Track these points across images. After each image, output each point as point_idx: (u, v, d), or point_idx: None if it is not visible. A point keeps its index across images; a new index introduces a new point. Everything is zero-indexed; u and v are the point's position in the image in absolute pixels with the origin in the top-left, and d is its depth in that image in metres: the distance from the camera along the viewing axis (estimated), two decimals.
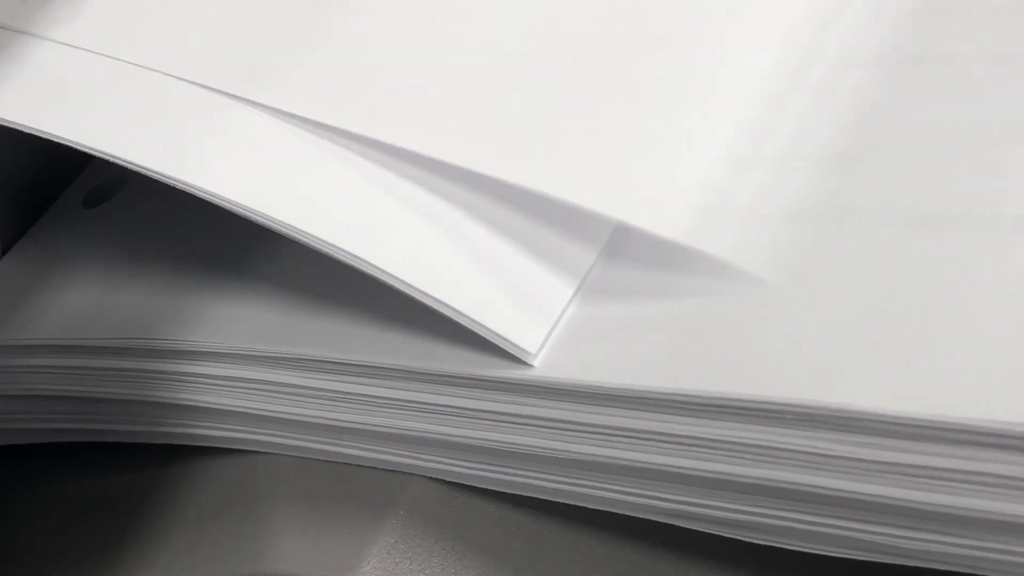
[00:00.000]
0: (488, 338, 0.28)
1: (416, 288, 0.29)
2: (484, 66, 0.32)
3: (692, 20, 0.33)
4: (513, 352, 0.28)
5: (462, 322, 0.28)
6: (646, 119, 0.31)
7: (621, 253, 0.30)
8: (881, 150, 0.29)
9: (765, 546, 0.27)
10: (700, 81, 0.31)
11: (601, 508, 0.29)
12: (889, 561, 0.25)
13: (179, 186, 0.30)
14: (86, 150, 0.31)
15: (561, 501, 0.30)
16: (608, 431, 0.28)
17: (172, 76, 0.32)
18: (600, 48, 0.32)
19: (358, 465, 0.33)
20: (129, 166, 0.31)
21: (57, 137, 0.31)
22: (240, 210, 0.30)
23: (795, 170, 0.30)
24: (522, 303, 0.28)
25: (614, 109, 0.31)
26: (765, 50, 0.32)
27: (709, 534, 0.28)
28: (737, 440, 0.26)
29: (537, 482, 0.30)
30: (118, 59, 0.32)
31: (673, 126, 0.31)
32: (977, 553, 0.24)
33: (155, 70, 0.32)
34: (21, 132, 0.31)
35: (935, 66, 0.31)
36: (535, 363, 0.28)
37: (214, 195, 0.30)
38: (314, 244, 0.29)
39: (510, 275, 0.29)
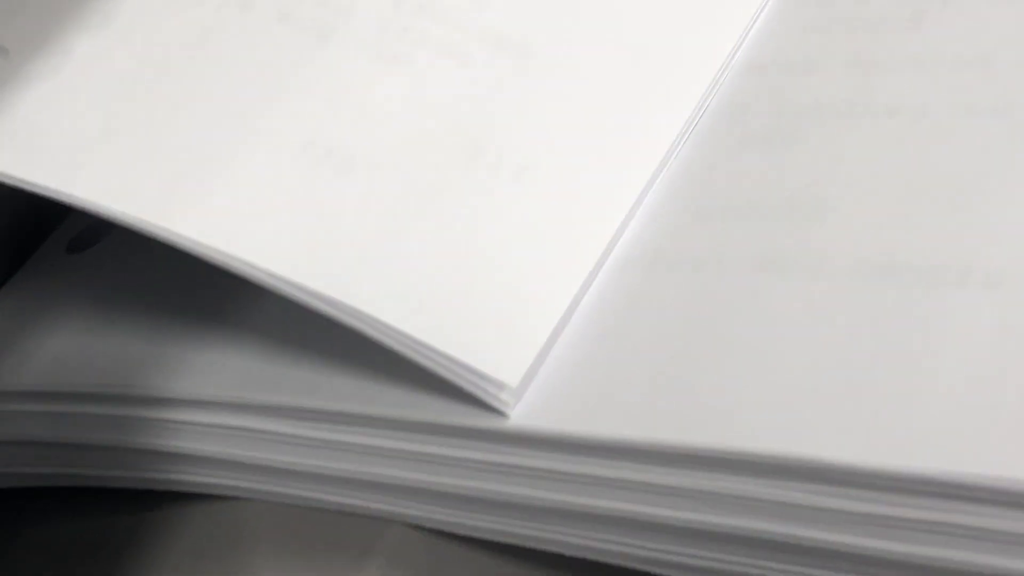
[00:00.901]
0: (465, 388, 0.28)
1: (393, 337, 0.29)
2: None
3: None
4: (490, 402, 0.28)
5: (438, 372, 0.29)
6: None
7: (598, 300, 0.30)
8: (852, 201, 0.30)
9: None
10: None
11: (579, 555, 0.29)
12: None
13: (160, 237, 0.30)
14: (67, 201, 0.31)
15: (540, 548, 0.30)
16: (585, 480, 0.28)
17: (153, 128, 0.32)
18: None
19: (339, 512, 0.33)
20: (108, 216, 0.31)
21: (38, 188, 0.31)
22: (218, 259, 0.30)
23: (765, 220, 0.30)
24: (498, 354, 0.29)
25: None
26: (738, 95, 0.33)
27: None
28: (712, 490, 0.27)
29: (516, 529, 0.30)
30: (97, 108, 0.33)
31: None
32: None
33: (136, 121, 0.32)
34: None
35: (907, 118, 0.31)
36: (511, 413, 0.28)
37: (191, 243, 0.30)
38: (296, 296, 0.30)
39: (485, 329, 0.29)
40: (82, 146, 0.32)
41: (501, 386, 0.28)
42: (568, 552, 0.30)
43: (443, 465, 0.30)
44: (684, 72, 0.34)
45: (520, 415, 0.28)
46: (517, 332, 0.29)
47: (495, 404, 0.28)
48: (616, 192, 0.31)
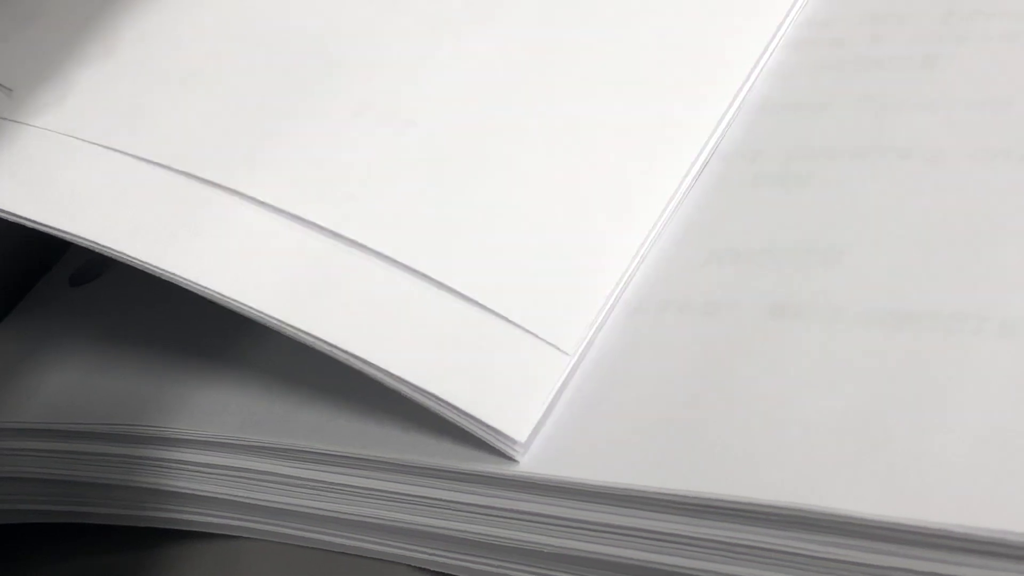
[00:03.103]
0: (475, 433, 0.28)
1: (403, 381, 0.29)
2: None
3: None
4: (500, 448, 0.28)
5: (449, 418, 0.28)
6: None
7: (609, 345, 0.30)
8: (866, 247, 0.29)
9: None
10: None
11: None
12: None
13: (162, 275, 0.30)
14: (67, 238, 0.31)
15: None
16: (593, 527, 0.28)
17: (154, 164, 0.32)
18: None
19: (342, 553, 0.32)
20: (111, 254, 0.31)
21: (38, 224, 0.31)
22: (221, 300, 0.30)
23: (778, 264, 0.30)
24: (508, 406, 0.28)
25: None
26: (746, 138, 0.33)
27: None
28: (723, 539, 0.26)
29: (522, 574, 0.30)
30: (100, 147, 0.32)
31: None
32: None
33: (137, 158, 0.32)
34: None
35: (921, 160, 0.31)
36: (521, 459, 0.28)
37: (197, 286, 0.30)
38: (302, 338, 0.29)
39: (495, 380, 0.29)
40: (83, 182, 0.32)
41: (511, 440, 0.28)
42: None
43: (450, 509, 0.30)
44: (692, 112, 0.34)
45: (530, 461, 0.28)
46: (527, 384, 0.29)
47: (505, 451, 0.28)
48: (622, 237, 0.31)
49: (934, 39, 0.34)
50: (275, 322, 0.29)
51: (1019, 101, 0.31)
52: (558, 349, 0.29)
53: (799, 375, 0.27)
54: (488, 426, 0.28)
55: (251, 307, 0.30)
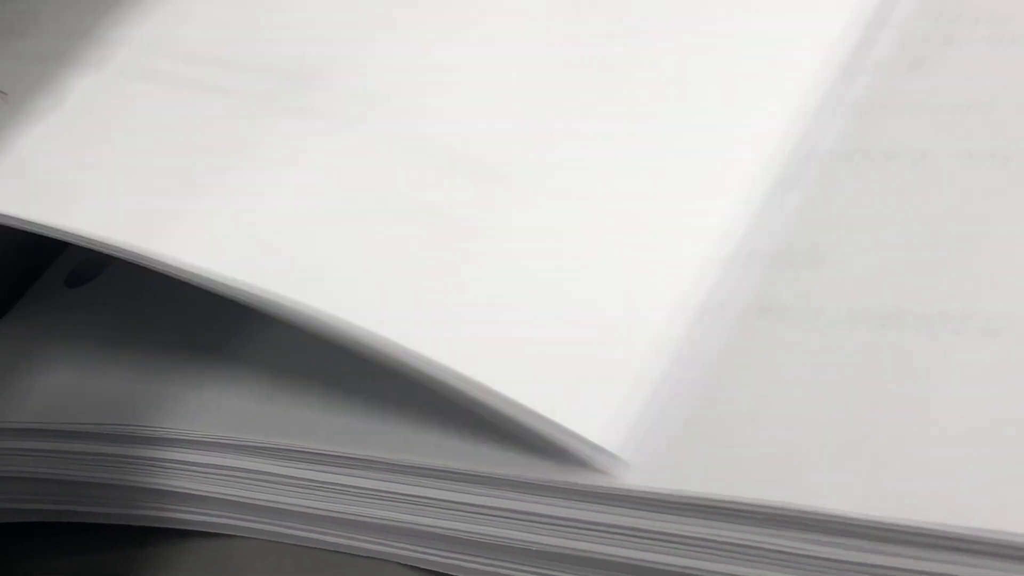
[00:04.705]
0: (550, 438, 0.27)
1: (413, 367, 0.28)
2: None
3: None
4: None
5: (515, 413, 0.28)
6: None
7: None
8: (851, 247, 0.30)
9: None
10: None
11: None
12: None
13: (159, 267, 0.30)
14: (62, 238, 0.31)
15: None
16: (579, 525, 0.28)
17: (148, 165, 0.32)
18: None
19: (336, 551, 0.33)
20: (105, 249, 0.31)
21: (34, 227, 0.31)
22: (216, 284, 0.30)
23: (764, 266, 0.30)
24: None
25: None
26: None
27: None
28: (707, 537, 0.26)
29: (509, 571, 0.30)
30: (95, 149, 0.33)
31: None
32: None
33: (131, 160, 0.32)
34: None
35: (907, 162, 0.31)
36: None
37: (193, 272, 0.30)
38: (322, 329, 0.29)
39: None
40: (79, 183, 0.32)
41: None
42: None
43: (444, 508, 0.30)
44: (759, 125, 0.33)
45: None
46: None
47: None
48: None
49: (921, 42, 0.34)
50: (280, 305, 0.29)
51: (1003, 104, 0.32)
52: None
53: (783, 375, 0.27)
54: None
55: (250, 288, 0.29)
